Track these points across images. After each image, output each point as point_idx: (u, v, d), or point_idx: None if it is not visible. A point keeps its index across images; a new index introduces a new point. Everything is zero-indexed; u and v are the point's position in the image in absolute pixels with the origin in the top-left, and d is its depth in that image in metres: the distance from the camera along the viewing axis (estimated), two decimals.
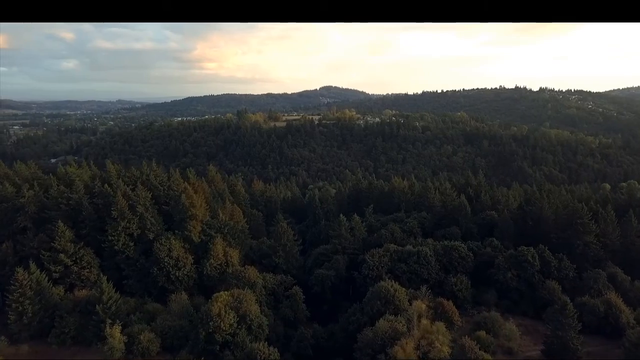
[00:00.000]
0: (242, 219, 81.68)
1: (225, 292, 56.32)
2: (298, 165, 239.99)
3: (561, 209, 78.34)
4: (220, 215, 74.31)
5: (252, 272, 65.37)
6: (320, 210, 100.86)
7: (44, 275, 58.38)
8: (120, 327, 51.33)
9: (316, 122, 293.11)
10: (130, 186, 73.75)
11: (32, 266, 57.01)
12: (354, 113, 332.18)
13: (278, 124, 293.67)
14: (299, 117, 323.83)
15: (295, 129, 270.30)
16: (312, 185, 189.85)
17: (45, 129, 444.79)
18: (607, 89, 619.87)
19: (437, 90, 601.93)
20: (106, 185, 70.76)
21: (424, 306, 53.68)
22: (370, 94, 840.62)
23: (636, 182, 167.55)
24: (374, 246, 72.38)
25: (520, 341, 53.79)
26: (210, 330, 51.49)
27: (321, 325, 63.86)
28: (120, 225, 65.32)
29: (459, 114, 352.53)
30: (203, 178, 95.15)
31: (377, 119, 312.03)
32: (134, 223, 66.69)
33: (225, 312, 52.49)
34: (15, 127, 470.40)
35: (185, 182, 78.60)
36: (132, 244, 66.64)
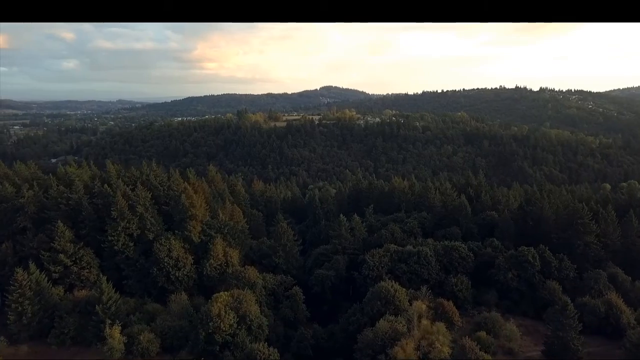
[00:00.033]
0: (242, 219, 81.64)
1: (225, 293, 56.36)
2: (298, 165, 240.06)
3: (562, 209, 78.27)
4: (220, 215, 74.25)
5: (252, 272, 65.35)
6: (320, 211, 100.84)
7: (44, 275, 58.39)
8: (120, 327, 51.40)
9: (316, 122, 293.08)
10: (130, 186, 73.71)
11: (32, 266, 57.04)
12: (354, 113, 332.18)
13: (278, 124, 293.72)
14: (299, 117, 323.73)
15: (295, 129, 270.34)
16: (312, 185, 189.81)
17: (45, 129, 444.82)
18: (607, 89, 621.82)
19: (437, 90, 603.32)
20: (106, 186, 70.75)
21: (424, 306, 53.69)
22: (370, 94, 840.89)
23: (636, 182, 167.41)
24: (374, 246, 72.34)
25: (521, 341, 53.75)
26: (210, 331, 51.52)
27: (321, 326, 63.82)
28: (120, 226, 65.30)
29: (459, 114, 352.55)
30: (203, 178, 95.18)
31: (377, 119, 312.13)
32: (133, 223, 66.65)
33: (225, 312, 52.53)
34: (16, 127, 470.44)
35: (185, 182, 78.56)
36: (131, 244, 66.61)
